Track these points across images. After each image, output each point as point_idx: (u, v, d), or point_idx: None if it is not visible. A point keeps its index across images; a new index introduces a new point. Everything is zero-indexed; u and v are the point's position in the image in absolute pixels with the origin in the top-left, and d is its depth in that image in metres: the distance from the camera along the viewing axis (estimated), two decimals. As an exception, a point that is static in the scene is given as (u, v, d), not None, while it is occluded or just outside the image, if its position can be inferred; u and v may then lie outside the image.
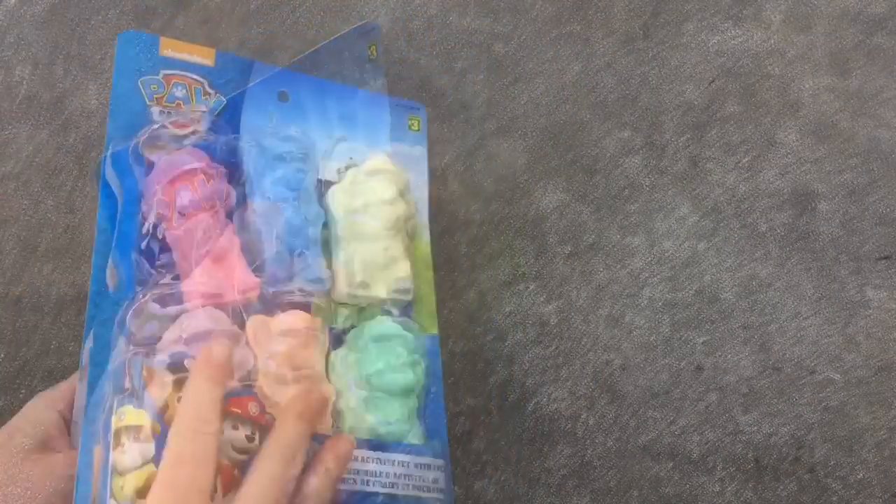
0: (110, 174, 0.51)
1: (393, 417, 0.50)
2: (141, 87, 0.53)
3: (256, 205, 0.53)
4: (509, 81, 0.85)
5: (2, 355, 0.67)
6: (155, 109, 0.54)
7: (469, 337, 0.72)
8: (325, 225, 0.56)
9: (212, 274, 0.48)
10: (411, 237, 0.59)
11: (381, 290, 0.54)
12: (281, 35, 0.85)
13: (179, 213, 0.50)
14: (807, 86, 0.85)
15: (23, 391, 0.66)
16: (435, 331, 0.57)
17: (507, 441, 0.68)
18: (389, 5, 0.88)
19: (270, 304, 0.50)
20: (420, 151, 0.63)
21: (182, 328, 0.46)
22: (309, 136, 0.57)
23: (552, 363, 0.71)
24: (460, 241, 0.76)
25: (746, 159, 0.81)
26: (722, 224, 0.78)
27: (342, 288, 0.53)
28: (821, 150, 0.82)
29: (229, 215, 0.53)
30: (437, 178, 0.80)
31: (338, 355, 0.53)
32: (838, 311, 0.75)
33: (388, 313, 0.55)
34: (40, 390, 0.52)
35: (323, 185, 0.57)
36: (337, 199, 0.56)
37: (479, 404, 0.69)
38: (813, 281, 0.76)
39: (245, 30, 0.85)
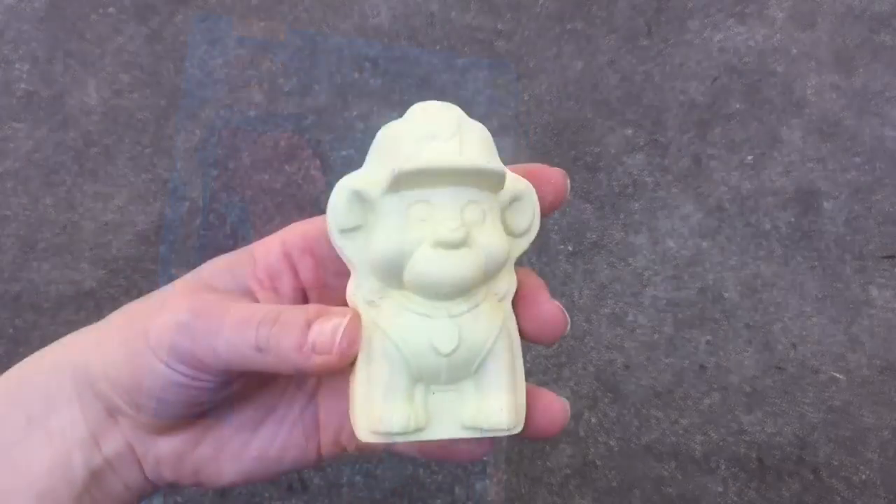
0: None
1: None
2: None
3: None
4: (511, 79, 0.84)
5: (0, 353, 0.67)
6: None
7: (471, 336, 0.72)
8: None
9: None
10: None
11: None
12: (282, 31, 0.85)
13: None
14: (811, 83, 0.85)
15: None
16: None
17: (508, 440, 0.68)
18: (391, 2, 0.87)
19: None
20: None
21: None
22: None
23: (554, 362, 0.71)
24: (462, 240, 0.76)
25: (750, 157, 0.81)
26: (725, 222, 0.78)
27: None
28: (825, 148, 0.82)
29: None
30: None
31: None
32: (842, 311, 0.75)
33: None
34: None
35: None
36: None
37: (481, 403, 0.69)
38: (817, 280, 0.76)
39: (245, 27, 0.84)
